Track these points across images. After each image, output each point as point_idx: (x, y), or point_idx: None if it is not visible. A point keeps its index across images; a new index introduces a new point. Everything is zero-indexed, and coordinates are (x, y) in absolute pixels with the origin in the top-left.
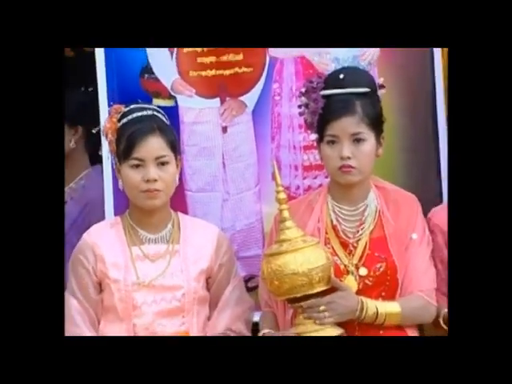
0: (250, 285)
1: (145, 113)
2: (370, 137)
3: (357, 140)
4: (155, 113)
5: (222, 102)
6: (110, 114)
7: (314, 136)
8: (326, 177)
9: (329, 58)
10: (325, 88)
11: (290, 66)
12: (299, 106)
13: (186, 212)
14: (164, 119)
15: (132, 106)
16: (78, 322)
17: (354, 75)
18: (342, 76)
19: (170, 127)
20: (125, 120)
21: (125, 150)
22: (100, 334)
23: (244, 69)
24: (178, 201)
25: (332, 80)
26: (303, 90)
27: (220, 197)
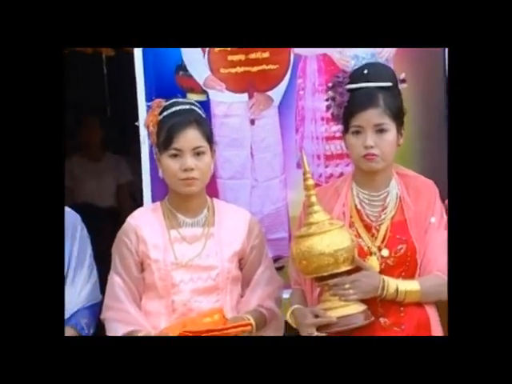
0: (278, 265)
1: (183, 107)
2: (391, 127)
3: (380, 130)
4: (193, 107)
5: (251, 96)
6: (151, 107)
7: (336, 127)
8: (347, 165)
9: (349, 56)
10: (350, 82)
11: (313, 63)
12: (326, 99)
13: (217, 198)
14: (201, 112)
15: (172, 101)
16: (121, 298)
17: (377, 70)
18: (366, 71)
19: (205, 120)
20: (165, 113)
21: (164, 141)
22: (142, 310)
23: (270, 66)
24: (211, 187)
25: (357, 75)
26: (330, 84)
27: (249, 184)
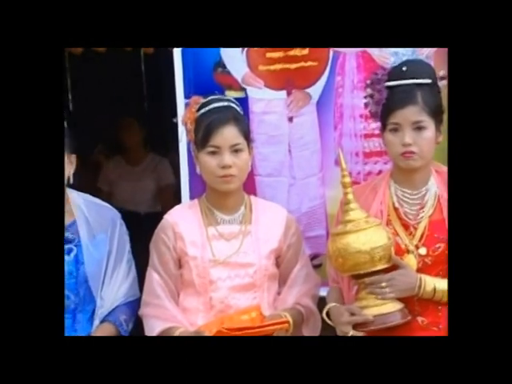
0: (315, 263)
1: (221, 104)
2: (430, 125)
3: (418, 128)
4: (231, 104)
5: (289, 93)
6: (189, 105)
7: (375, 125)
8: (385, 163)
9: (389, 53)
10: (389, 80)
11: (352, 60)
12: (365, 97)
13: (255, 195)
14: (238, 110)
15: (210, 98)
16: (159, 295)
17: (416, 67)
18: (404, 68)
19: (243, 117)
20: (203, 110)
21: (202, 138)
22: (180, 306)
23: (309, 63)
24: (248, 185)
25: (395, 72)
26: (369, 81)
27: (286, 181)
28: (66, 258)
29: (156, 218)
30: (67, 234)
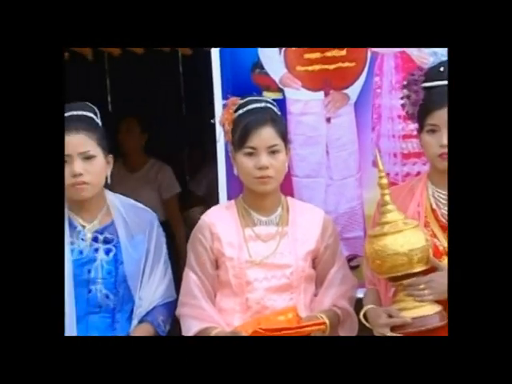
0: (353, 264)
1: (258, 105)
2: None
3: None
4: (268, 105)
5: (327, 94)
6: (227, 105)
7: (414, 125)
8: (424, 164)
9: (427, 53)
10: (425, 80)
11: (391, 60)
12: (401, 98)
13: (292, 196)
14: (276, 110)
15: (247, 99)
16: (196, 295)
17: None
18: (442, 69)
19: (281, 118)
20: (240, 111)
21: (240, 139)
22: (216, 307)
23: (347, 63)
24: (286, 186)
25: (432, 73)
26: (405, 82)
27: (324, 182)
28: (105, 257)
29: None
30: (105, 235)
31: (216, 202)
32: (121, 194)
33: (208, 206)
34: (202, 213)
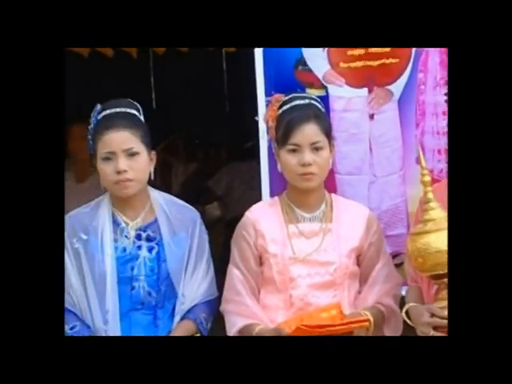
0: (396, 261)
1: (302, 101)
2: None
3: None
4: (312, 101)
5: (370, 91)
6: (271, 102)
7: None
8: None
9: None
10: None
11: (436, 56)
12: (445, 94)
13: (335, 193)
14: (320, 107)
15: (292, 95)
16: (240, 291)
17: None
18: None
19: (325, 115)
20: (284, 108)
21: (283, 135)
22: (260, 303)
23: (391, 60)
24: (329, 183)
25: None
26: None
27: (367, 179)
28: (148, 255)
29: None
30: (148, 232)
31: (233, 201)
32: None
33: (225, 204)
34: (219, 209)
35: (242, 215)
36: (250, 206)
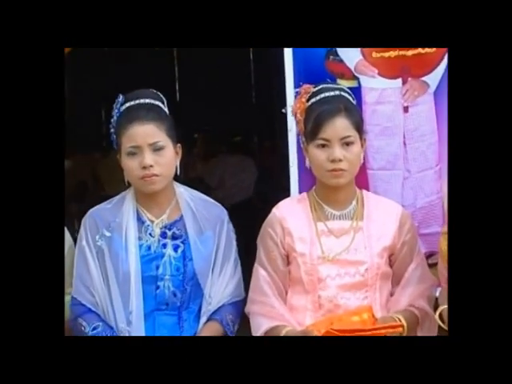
0: (431, 261)
1: (332, 93)
2: None
3: None
4: (342, 93)
5: (404, 82)
6: (299, 94)
7: None
8: None
9: None
10: None
11: None
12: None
13: (367, 189)
14: (350, 99)
15: (321, 86)
16: (266, 292)
17: None
18: None
19: (356, 107)
20: (313, 100)
21: (312, 130)
22: (287, 304)
23: (427, 49)
24: (360, 179)
25: None
26: None
27: (401, 175)
28: (174, 254)
29: None
30: (174, 230)
31: (227, 192)
32: None
33: (218, 196)
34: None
35: (231, 208)
36: (240, 199)
